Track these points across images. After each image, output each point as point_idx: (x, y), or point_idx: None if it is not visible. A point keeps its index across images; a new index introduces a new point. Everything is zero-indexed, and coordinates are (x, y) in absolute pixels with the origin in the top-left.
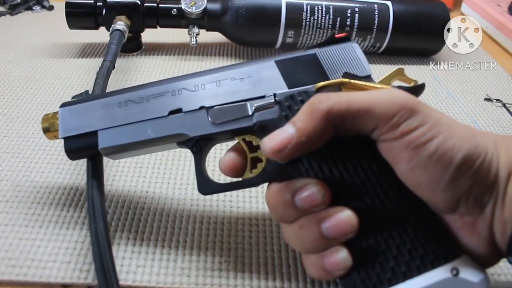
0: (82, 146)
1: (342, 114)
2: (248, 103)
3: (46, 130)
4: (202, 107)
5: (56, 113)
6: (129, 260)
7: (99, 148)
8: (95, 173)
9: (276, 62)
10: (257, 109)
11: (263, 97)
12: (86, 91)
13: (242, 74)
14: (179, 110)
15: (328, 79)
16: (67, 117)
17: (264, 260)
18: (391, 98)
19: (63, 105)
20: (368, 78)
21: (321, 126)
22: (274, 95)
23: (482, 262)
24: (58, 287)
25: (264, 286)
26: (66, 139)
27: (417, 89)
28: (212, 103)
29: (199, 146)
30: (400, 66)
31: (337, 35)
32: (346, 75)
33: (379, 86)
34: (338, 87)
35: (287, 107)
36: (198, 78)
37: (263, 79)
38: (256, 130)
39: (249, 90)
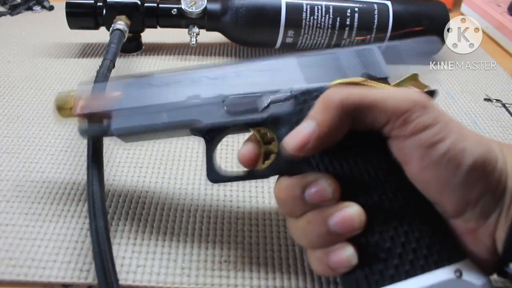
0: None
1: (356, 105)
2: (264, 96)
3: (60, 108)
4: (218, 96)
5: (71, 91)
6: (129, 259)
7: (112, 128)
8: (96, 171)
9: (296, 59)
10: (272, 102)
11: (279, 91)
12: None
13: (262, 68)
14: (196, 97)
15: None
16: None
17: (264, 260)
18: (405, 94)
19: (81, 83)
20: (385, 80)
21: (338, 116)
22: (291, 89)
23: (484, 269)
24: (59, 287)
25: (264, 286)
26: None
27: (429, 95)
28: (229, 93)
29: (212, 134)
30: (414, 72)
31: (357, 37)
32: (364, 75)
33: (393, 87)
34: (353, 85)
35: (302, 102)
36: (217, 69)
37: (281, 74)
38: (270, 123)
39: (267, 83)
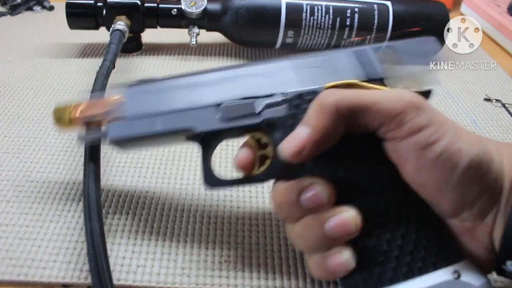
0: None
1: (350, 107)
2: (257, 101)
3: (59, 119)
4: (212, 103)
5: (69, 103)
6: (129, 260)
7: (108, 138)
8: (92, 174)
9: (289, 62)
10: (266, 106)
11: (272, 95)
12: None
13: (254, 72)
14: (190, 104)
15: (340, 80)
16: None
17: (264, 260)
18: (399, 95)
19: (83, 91)
20: (380, 81)
21: (332, 120)
22: (284, 93)
23: (482, 268)
24: (59, 287)
25: (264, 286)
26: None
27: (424, 95)
28: (223, 99)
29: (207, 140)
30: (410, 72)
31: (355, 38)
32: (359, 77)
33: (387, 88)
34: (346, 88)
35: (295, 106)
36: (211, 74)
37: (274, 78)
38: (264, 128)
39: (260, 88)
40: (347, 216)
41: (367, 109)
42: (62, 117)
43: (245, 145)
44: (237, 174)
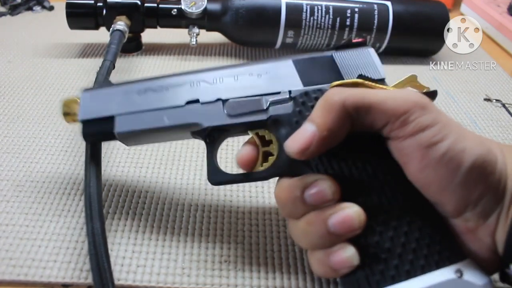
0: (99, 130)
1: (356, 106)
2: (263, 98)
3: (66, 114)
4: (218, 99)
5: (77, 97)
6: (129, 259)
7: (115, 132)
8: (93, 173)
9: (294, 61)
10: (272, 103)
11: (278, 93)
12: (108, 80)
13: (260, 70)
14: (196, 101)
15: (343, 79)
16: (88, 101)
17: (264, 260)
18: (404, 95)
19: (85, 90)
20: (381, 81)
21: (339, 118)
22: (290, 91)
23: (485, 268)
24: (59, 287)
25: (264, 285)
26: (85, 122)
27: (429, 96)
28: (229, 95)
29: (213, 137)
30: (413, 73)
31: (354, 40)
32: (361, 77)
33: (392, 88)
34: (352, 87)
35: (301, 103)
36: (216, 72)
37: (279, 76)
38: (270, 124)
39: (265, 85)
40: (351, 213)
41: (373, 108)
42: (69, 113)
43: (248, 142)
44: (239, 172)
